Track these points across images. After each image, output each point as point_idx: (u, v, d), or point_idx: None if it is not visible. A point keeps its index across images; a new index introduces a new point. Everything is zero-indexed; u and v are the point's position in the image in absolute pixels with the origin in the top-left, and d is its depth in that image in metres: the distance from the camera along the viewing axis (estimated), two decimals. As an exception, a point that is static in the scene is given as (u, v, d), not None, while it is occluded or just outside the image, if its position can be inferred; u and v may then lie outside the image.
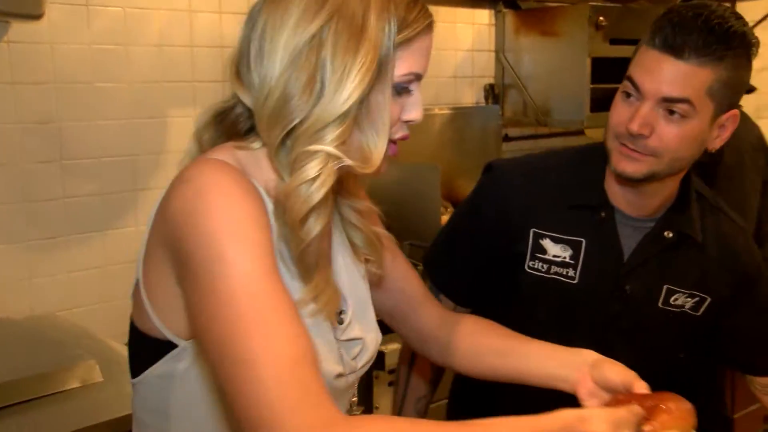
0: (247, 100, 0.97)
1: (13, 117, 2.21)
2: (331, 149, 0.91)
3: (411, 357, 1.55)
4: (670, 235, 1.41)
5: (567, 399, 1.09)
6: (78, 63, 2.30)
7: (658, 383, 1.16)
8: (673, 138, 1.28)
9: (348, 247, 1.11)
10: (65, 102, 2.28)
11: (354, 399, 1.13)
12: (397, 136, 0.99)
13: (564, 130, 3.55)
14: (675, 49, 1.25)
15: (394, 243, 1.23)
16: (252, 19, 0.95)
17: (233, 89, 1.00)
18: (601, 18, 3.15)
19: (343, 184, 1.08)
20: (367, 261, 1.13)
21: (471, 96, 3.55)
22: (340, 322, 1.05)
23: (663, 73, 1.25)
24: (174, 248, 0.90)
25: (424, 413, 1.57)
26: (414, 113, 0.99)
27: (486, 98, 3.57)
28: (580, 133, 3.31)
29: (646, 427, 1.03)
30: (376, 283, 1.17)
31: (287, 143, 0.93)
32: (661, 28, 1.26)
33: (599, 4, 2.91)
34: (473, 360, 1.24)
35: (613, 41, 3.14)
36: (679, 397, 1.09)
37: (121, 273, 2.26)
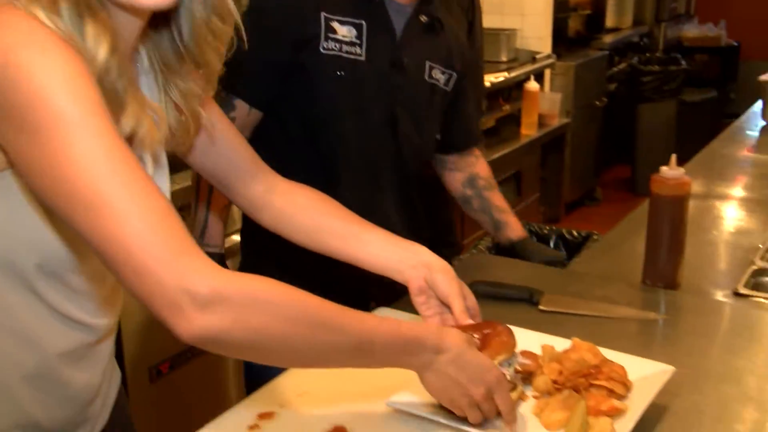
0: None
1: None
2: None
3: (209, 195, 1.65)
4: (424, 18, 1.68)
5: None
6: None
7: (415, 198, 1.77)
8: None
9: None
10: None
11: None
12: None
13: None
14: None
15: (219, 113, 1.22)
16: None
17: None
18: None
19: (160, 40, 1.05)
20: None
21: None
22: None
23: None
24: None
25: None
26: None
27: None
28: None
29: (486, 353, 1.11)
30: (203, 150, 1.19)
31: None
32: None
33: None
34: (311, 237, 1.29)
35: None
36: (501, 324, 1.20)
37: None
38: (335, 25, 1.59)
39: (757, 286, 1.66)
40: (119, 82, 0.92)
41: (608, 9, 5.57)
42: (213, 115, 1.19)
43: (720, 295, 1.62)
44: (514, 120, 4.18)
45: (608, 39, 5.38)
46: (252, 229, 1.59)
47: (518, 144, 4.03)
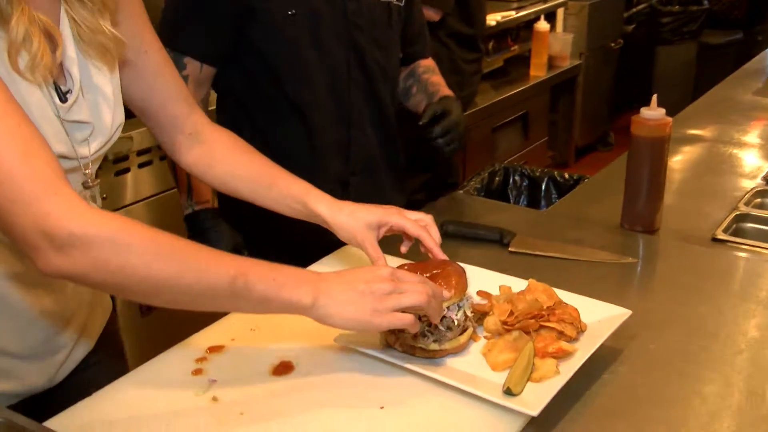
0: None
1: None
2: None
3: (188, 186, 1.62)
4: None
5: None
6: None
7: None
8: None
9: (75, 44, 1.05)
10: None
11: (87, 174, 1.10)
12: None
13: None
14: None
15: (158, 47, 1.20)
16: None
17: None
18: None
19: None
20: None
21: None
22: (63, 101, 1.02)
23: None
24: None
25: None
26: None
27: None
28: None
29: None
30: (131, 79, 1.16)
31: None
32: None
33: None
34: (234, 183, 1.29)
35: None
36: (453, 263, 1.18)
37: None
38: None
39: (737, 232, 1.63)
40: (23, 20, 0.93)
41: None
42: (147, 46, 1.17)
43: (698, 241, 1.59)
44: (523, 61, 4.10)
45: (627, -24, 5.23)
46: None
47: (526, 85, 3.96)
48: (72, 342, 1.19)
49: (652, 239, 1.58)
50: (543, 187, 2.21)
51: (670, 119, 1.55)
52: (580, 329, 1.14)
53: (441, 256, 1.21)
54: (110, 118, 1.10)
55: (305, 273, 1.03)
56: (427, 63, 1.90)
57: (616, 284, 1.42)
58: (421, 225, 1.23)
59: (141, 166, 2.35)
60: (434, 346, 1.10)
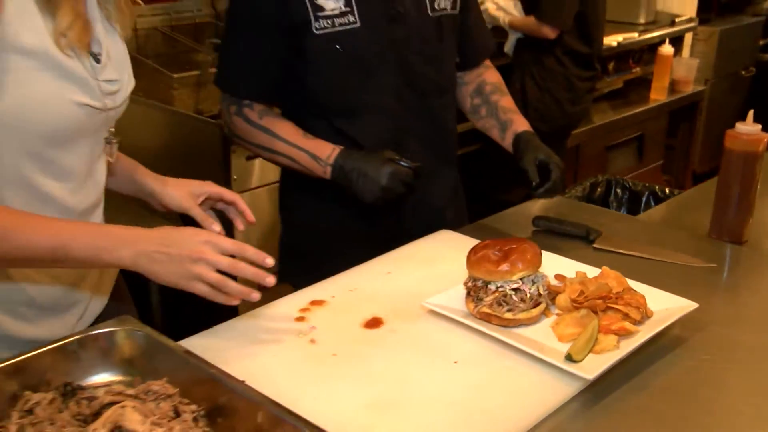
0: None
1: None
2: None
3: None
4: None
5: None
6: None
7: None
8: None
9: (101, 15, 1.24)
10: None
11: (112, 130, 1.30)
12: None
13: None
14: None
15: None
16: None
17: None
18: None
19: None
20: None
21: None
22: (98, 61, 1.20)
23: None
24: None
25: None
26: None
27: None
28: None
29: (502, 266, 1.25)
30: None
31: None
32: None
33: None
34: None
35: None
36: (530, 242, 1.30)
37: None
38: (320, 2, 1.56)
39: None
40: None
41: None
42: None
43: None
44: (644, 83, 4.14)
45: None
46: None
47: (645, 107, 4.00)
48: (87, 298, 1.36)
49: (738, 249, 1.66)
50: (643, 200, 2.30)
51: (765, 135, 1.62)
52: (646, 315, 1.25)
53: (251, 217, 1.39)
54: (128, 74, 1.29)
55: (128, 234, 1.12)
56: (495, 80, 1.87)
57: (693, 284, 1.49)
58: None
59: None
60: (508, 315, 1.24)
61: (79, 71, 1.16)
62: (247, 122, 1.65)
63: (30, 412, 1.03)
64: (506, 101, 1.82)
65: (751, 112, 1.64)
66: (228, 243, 1.13)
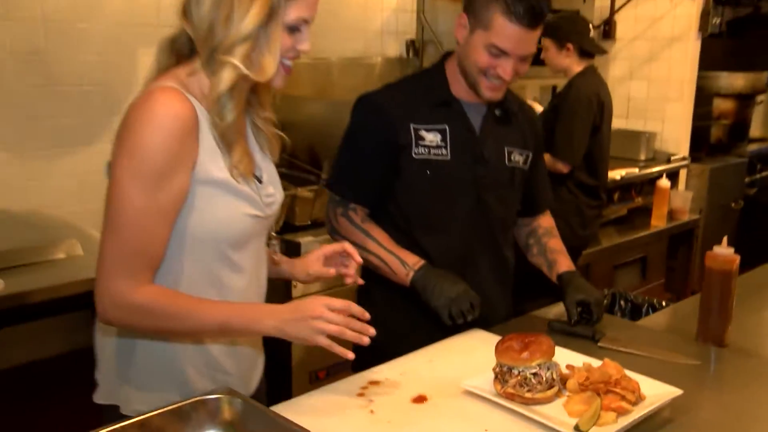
0: (189, 30, 1.32)
1: (9, 46, 2.56)
2: (236, 61, 1.28)
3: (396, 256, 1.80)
4: (498, 111, 1.85)
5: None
6: (61, 4, 2.64)
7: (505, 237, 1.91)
8: (523, 72, 1.76)
9: (259, 145, 1.48)
10: (52, 37, 2.63)
11: (272, 233, 1.55)
12: (288, 56, 1.35)
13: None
14: (533, 24, 1.68)
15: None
16: None
17: (181, 23, 1.34)
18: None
19: (256, 98, 1.44)
20: None
21: (395, 49, 3.83)
22: (260, 182, 1.42)
23: (522, 42, 1.69)
24: (118, 140, 1.29)
25: None
26: (303, 45, 1.36)
27: (407, 51, 3.84)
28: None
29: (523, 354, 1.42)
30: None
31: (213, 57, 1.29)
32: (517, 10, 1.65)
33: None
34: None
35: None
36: (546, 336, 1.48)
37: (97, 181, 2.40)
38: (423, 133, 1.76)
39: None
40: (233, 135, 1.34)
41: (755, 119, 5.58)
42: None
43: (760, 356, 1.79)
44: (645, 211, 4.33)
45: (752, 147, 5.37)
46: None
47: (647, 232, 4.18)
48: (255, 380, 1.56)
49: (720, 351, 1.80)
50: (643, 310, 2.45)
51: (737, 256, 1.80)
52: (640, 398, 1.41)
53: (358, 258, 1.55)
54: (280, 189, 1.49)
55: (269, 309, 1.34)
56: (547, 225, 2.04)
57: (681, 378, 1.61)
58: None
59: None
60: (528, 395, 1.41)
61: (248, 191, 1.36)
62: (351, 223, 1.81)
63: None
64: (554, 243, 2.00)
65: (725, 238, 1.83)
66: (338, 302, 1.33)
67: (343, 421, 1.37)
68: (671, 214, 4.40)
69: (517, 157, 1.89)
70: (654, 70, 4.68)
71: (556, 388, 1.44)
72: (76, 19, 2.69)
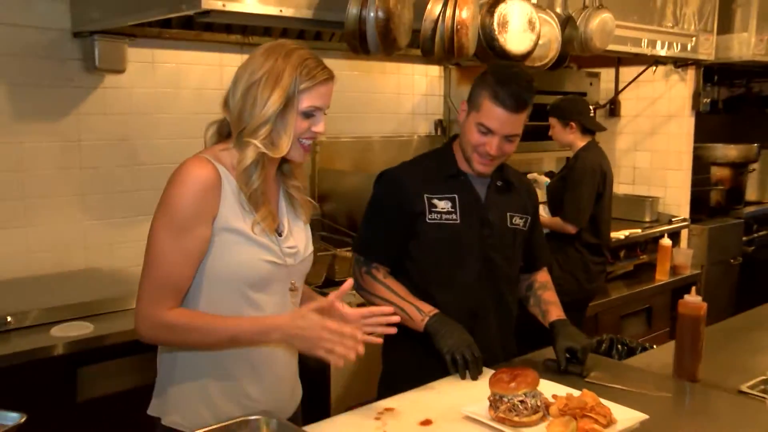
0: (227, 116, 1.50)
1: (104, 136, 2.87)
2: (257, 143, 1.45)
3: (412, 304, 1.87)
4: (500, 182, 1.96)
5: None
6: (146, 100, 2.94)
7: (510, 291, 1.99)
8: (509, 151, 1.87)
9: (291, 208, 1.61)
10: (136, 127, 2.93)
11: (293, 282, 1.59)
12: (305, 140, 1.50)
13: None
14: (515, 109, 1.79)
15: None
16: (235, 74, 1.49)
17: (222, 111, 1.51)
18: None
19: (289, 170, 1.60)
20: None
21: (425, 128, 4.02)
22: (280, 234, 1.54)
23: (506, 123, 1.81)
24: (160, 199, 1.46)
25: None
26: (318, 128, 1.50)
27: (436, 130, 4.03)
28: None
29: (511, 384, 1.53)
30: None
31: (241, 137, 1.46)
32: (502, 96, 1.78)
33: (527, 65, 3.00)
34: None
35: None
36: (532, 370, 1.59)
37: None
38: (435, 201, 1.87)
39: (761, 389, 1.86)
40: (259, 198, 1.47)
41: (750, 185, 5.58)
42: None
43: (727, 391, 1.85)
44: (650, 267, 4.37)
45: (749, 210, 5.36)
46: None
47: (651, 285, 4.21)
48: (290, 409, 1.66)
49: (693, 385, 1.87)
50: (637, 353, 2.51)
51: (704, 304, 1.89)
52: (611, 421, 1.51)
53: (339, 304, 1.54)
54: (305, 243, 1.60)
55: (276, 322, 1.45)
56: (543, 279, 2.10)
57: (658, 408, 1.69)
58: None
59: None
60: (516, 419, 1.52)
61: (266, 242, 1.49)
62: (374, 279, 1.90)
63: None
64: (549, 295, 2.06)
65: (693, 288, 1.93)
66: (333, 324, 1.43)
67: (361, 439, 1.50)
68: (674, 270, 4.43)
69: (518, 221, 1.98)
70: (655, 143, 4.78)
71: (540, 414, 1.54)
72: (156, 111, 2.97)
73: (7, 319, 2.24)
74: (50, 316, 2.31)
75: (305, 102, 1.45)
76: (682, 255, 4.49)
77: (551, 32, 2.95)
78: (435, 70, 4.03)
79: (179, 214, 1.42)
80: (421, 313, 1.84)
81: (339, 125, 3.63)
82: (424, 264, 1.91)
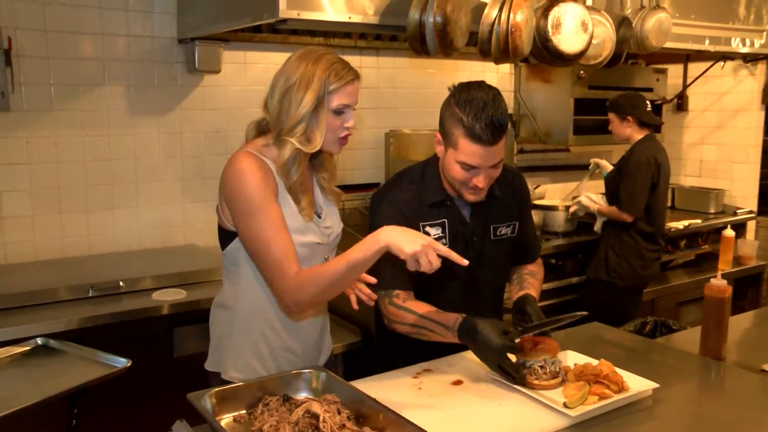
0: (267, 116, 1.62)
1: (202, 128, 3.11)
2: (294, 141, 1.56)
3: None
4: (483, 200, 1.83)
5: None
6: (238, 96, 3.16)
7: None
8: (496, 175, 1.79)
9: (324, 193, 1.74)
10: (230, 120, 3.16)
11: (326, 258, 1.68)
12: (340, 135, 1.60)
13: (556, 147, 4.10)
14: (493, 141, 1.69)
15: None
16: (273, 79, 1.60)
17: (263, 112, 1.62)
18: (581, 71, 3.68)
19: (321, 164, 1.70)
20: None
21: None
22: (320, 216, 1.68)
23: (487, 157, 1.72)
24: (227, 200, 1.58)
25: None
26: (348, 123, 1.59)
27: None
28: (566, 150, 4.05)
29: (532, 351, 1.61)
30: None
31: (280, 136, 1.57)
32: (477, 132, 1.67)
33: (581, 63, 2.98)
34: None
35: (590, 87, 3.84)
36: (552, 338, 1.67)
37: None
38: (428, 228, 1.83)
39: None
40: (300, 188, 1.60)
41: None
42: None
43: (750, 369, 1.85)
44: (713, 257, 4.24)
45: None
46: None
47: (710, 275, 4.09)
48: (327, 350, 1.81)
49: (717, 363, 1.89)
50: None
51: (729, 287, 1.90)
52: (623, 389, 1.57)
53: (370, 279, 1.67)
54: (336, 222, 1.72)
55: (380, 231, 1.43)
56: (534, 269, 2.04)
57: (683, 381, 1.74)
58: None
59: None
60: (536, 382, 1.61)
61: (312, 225, 1.63)
62: (398, 308, 1.79)
63: (267, 404, 1.48)
64: (532, 281, 1.98)
65: (719, 272, 1.93)
66: (441, 249, 1.45)
67: (396, 392, 1.63)
68: (738, 260, 4.29)
69: (504, 230, 1.95)
70: (722, 137, 4.64)
71: (559, 379, 1.63)
72: (247, 106, 3.19)
73: (119, 284, 2.53)
74: (153, 284, 2.58)
75: (335, 101, 1.55)
76: (747, 246, 4.34)
77: (605, 32, 2.96)
78: (506, 67, 4.06)
79: (255, 198, 1.50)
80: (449, 329, 1.72)
81: (414, 119, 3.75)
82: (421, 283, 1.83)
